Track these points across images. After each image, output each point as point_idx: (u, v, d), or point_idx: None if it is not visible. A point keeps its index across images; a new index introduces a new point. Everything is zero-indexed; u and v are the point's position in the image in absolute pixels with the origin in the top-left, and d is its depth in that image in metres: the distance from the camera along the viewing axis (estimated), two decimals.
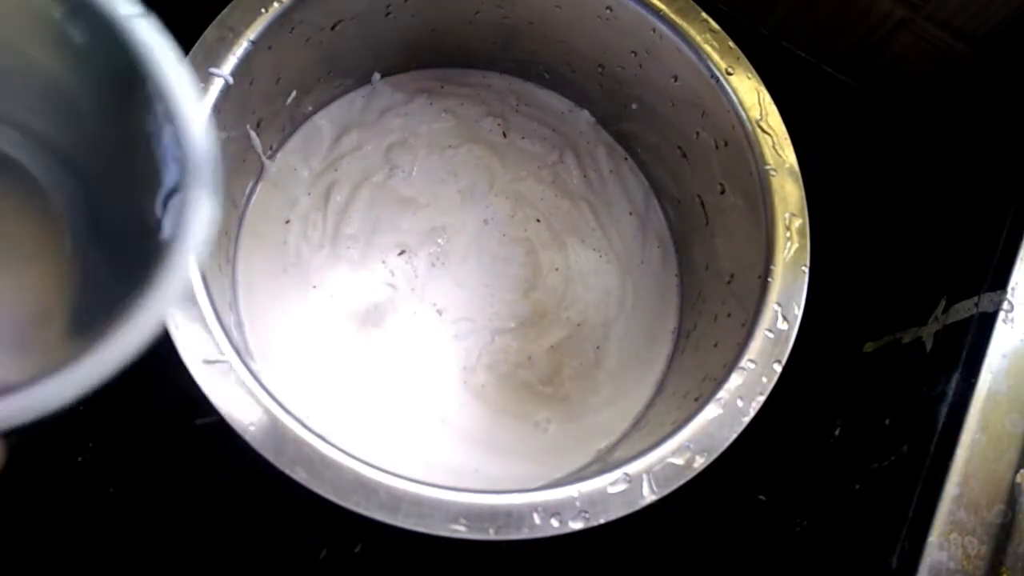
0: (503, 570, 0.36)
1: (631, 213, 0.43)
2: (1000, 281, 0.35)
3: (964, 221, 0.40)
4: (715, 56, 0.36)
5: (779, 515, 0.40)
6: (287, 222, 0.38)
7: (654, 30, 0.36)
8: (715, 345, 0.35)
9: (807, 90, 0.45)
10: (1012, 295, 0.34)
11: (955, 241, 0.40)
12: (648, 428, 0.36)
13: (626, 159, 0.43)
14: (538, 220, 0.41)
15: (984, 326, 0.34)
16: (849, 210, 0.43)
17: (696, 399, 0.32)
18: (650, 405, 0.39)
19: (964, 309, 0.36)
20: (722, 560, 0.40)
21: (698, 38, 0.36)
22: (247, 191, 0.38)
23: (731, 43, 0.36)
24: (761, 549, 0.40)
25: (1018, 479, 0.32)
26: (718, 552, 0.40)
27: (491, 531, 0.27)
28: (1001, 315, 0.34)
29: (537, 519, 0.27)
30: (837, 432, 0.40)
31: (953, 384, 0.34)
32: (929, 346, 0.37)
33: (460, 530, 0.27)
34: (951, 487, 0.31)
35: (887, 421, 0.37)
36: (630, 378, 0.39)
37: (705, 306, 0.39)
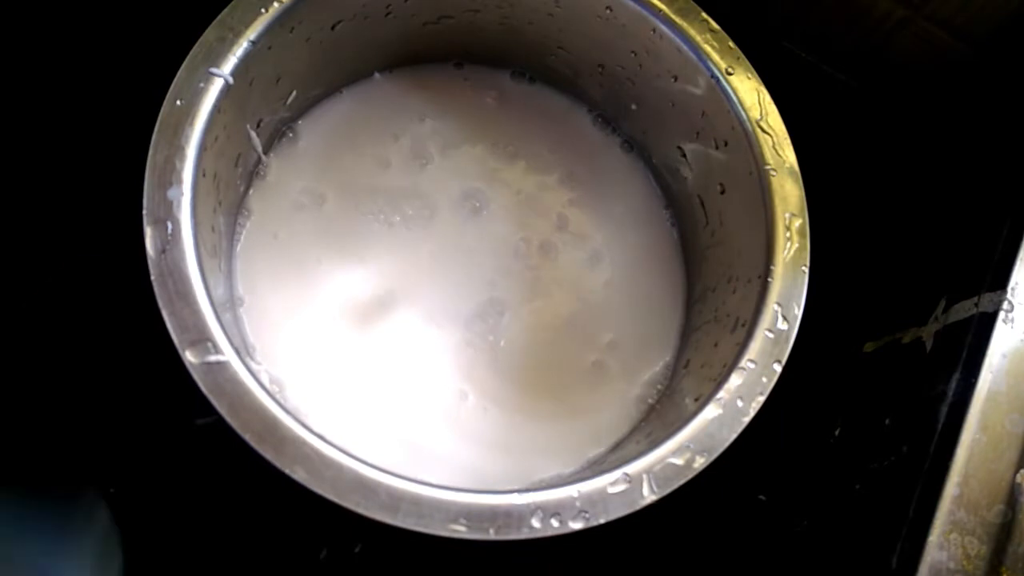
0: (503, 570, 0.36)
1: (632, 213, 0.42)
2: (1000, 281, 0.35)
3: (964, 221, 0.40)
4: (715, 56, 0.36)
5: (779, 515, 0.40)
6: (287, 221, 0.38)
7: (654, 30, 0.36)
8: (715, 345, 0.35)
9: (807, 90, 0.45)
10: (1012, 295, 0.34)
11: (955, 241, 0.40)
12: (650, 427, 0.36)
13: (626, 159, 0.43)
14: (539, 219, 0.41)
15: (984, 326, 0.34)
16: (849, 210, 0.43)
17: (696, 399, 0.32)
18: (653, 405, 0.38)
19: (964, 309, 0.36)
20: (722, 560, 0.40)
21: (698, 38, 0.36)
22: (247, 190, 0.38)
23: (731, 43, 0.36)
24: (761, 549, 0.40)
25: (1018, 479, 0.32)
26: (718, 552, 0.40)
27: (491, 531, 0.27)
28: (1001, 315, 0.34)
29: (537, 519, 0.27)
30: (837, 432, 0.40)
31: (953, 384, 0.34)
32: (929, 346, 0.37)
33: (460, 530, 0.27)
34: (951, 487, 0.31)
35: (887, 421, 0.37)
36: (632, 377, 0.39)
37: (705, 306, 0.39)
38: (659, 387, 0.39)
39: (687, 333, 0.40)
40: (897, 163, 0.46)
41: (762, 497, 0.41)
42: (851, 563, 0.35)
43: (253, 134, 0.36)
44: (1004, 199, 0.37)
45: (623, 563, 0.39)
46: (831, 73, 0.48)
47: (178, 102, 0.30)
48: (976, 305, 0.35)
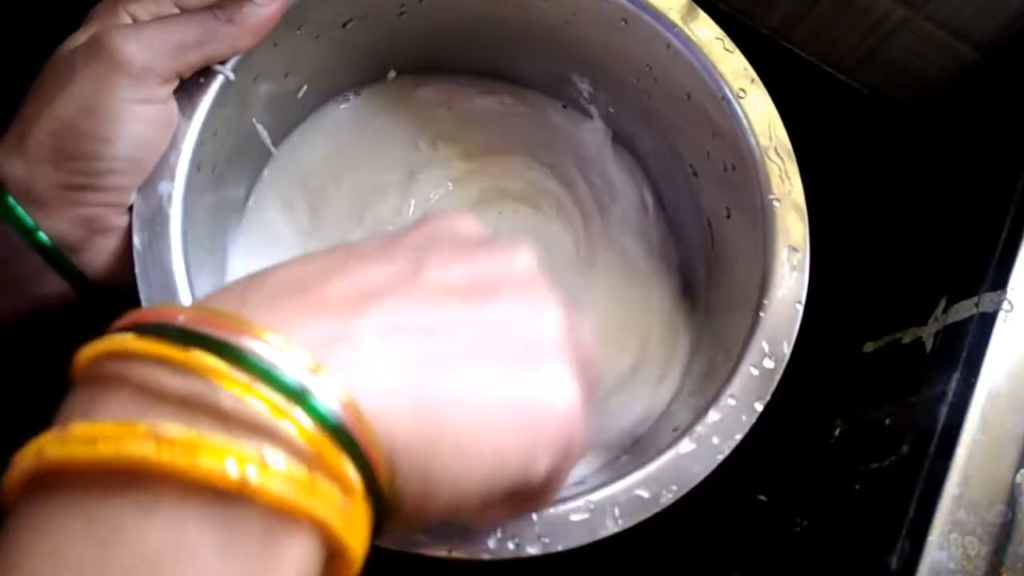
0: (504, 571, 0.36)
1: (640, 231, 0.41)
2: (1000, 281, 0.34)
3: (964, 221, 0.40)
4: (728, 77, 0.34)
5: (779, 515, 0.40)
6: (288, 218, 0.38)
7: (668, 46, 0.35)
8: (705, 375, 0.35)
9: (808, 91, 0.45)
10: (1012, 295, 0.34)
11: (955, 241, 0.40)
12: (630, 456, 0.35)
13: (638, 176, 0.42)
14: (542, 227, 0.41)
15: (984, 326, 0.34)
16: (849, 210, 0.43)
17: (674, 430, 0.31)
18: (643, 431, 0.37)
19: (964, 309, 0.36)
20: (722, 560, 0.40)
21: (712, 57, 0.35)
22: (249, 185, 0.38)
23: (747, 65, 0.35)
24: (761, 549, 0.40)
25: (1018, 479, 0.32)
26: (718, 552, 0.40)
27: (447, 549, 0.26)
28: (1001, 315, 0.34)
29: (493, 541, 0.26)
30: (837, 432, 0.40)
31: (953, 384, 0.33)
32: (929, 346, 0.37)
33: (421, 540, 0.26)
34: (951, 487, 0.31)
35: (887, 421, 0.37)
36: (624, 401, 0.38)
37: (704, 334, 0.38)
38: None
39: (686, 360, 0.38)
40: (897, 163, 0.46)
41: (762, 497, 0.41)
42: (851, 563, 0.35)
43: (260, 127, 0.36)
44: (1004, 200, 0.37)
45: (622, 562, 0.39)
46: (831, 74, 0.48)
47: (177, 96, 0.30)
48: (976, 305, 0.35)
